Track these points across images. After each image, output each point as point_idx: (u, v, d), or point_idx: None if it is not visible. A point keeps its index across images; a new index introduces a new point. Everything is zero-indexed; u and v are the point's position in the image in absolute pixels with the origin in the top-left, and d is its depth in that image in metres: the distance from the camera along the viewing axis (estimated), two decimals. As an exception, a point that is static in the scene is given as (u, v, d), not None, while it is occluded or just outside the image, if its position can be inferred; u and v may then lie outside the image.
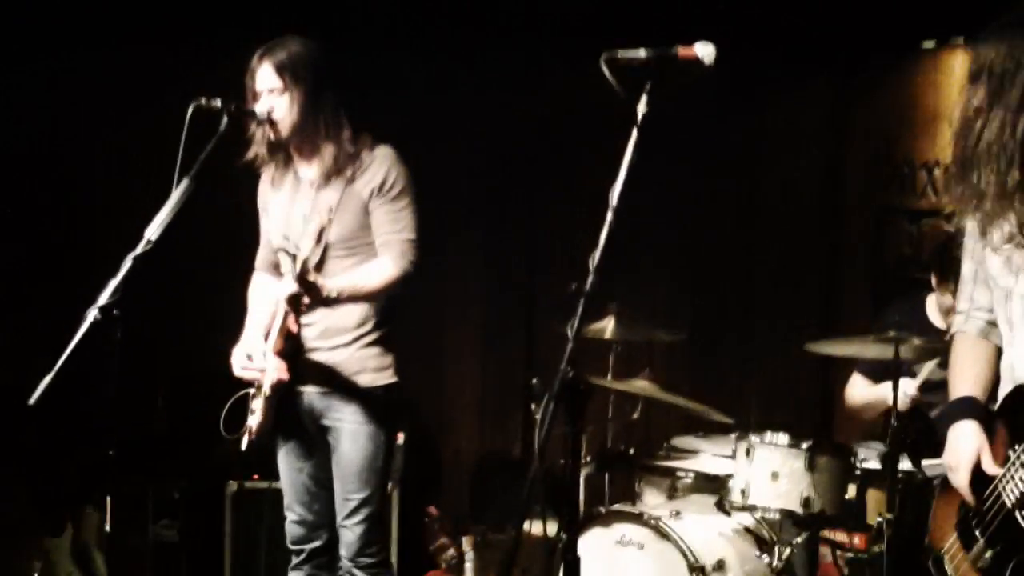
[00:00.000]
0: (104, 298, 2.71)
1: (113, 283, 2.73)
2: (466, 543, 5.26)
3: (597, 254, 2.13)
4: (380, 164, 3.29)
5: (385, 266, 3.26)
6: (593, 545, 3.67)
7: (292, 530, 3.55)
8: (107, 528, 2.89)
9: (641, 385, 3.84)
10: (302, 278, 3.03)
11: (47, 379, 2.65)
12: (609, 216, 2.13)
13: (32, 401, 2.64)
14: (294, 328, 3.27)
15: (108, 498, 2.94)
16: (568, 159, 5.28)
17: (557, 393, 2.13)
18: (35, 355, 4.85)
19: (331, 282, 3.18)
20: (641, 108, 2.15)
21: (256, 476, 5.00)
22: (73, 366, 2.69)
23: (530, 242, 5.51)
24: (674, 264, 5.17)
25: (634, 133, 2.14)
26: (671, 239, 5.06)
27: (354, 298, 3.24)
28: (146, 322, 3.17)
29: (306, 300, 3.10)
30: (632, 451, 4.10)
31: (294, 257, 3.07)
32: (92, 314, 2.71)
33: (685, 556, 3.55)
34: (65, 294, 3.26)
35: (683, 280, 5.18)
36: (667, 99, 2.14)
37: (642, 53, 2.19)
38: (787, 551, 3.70)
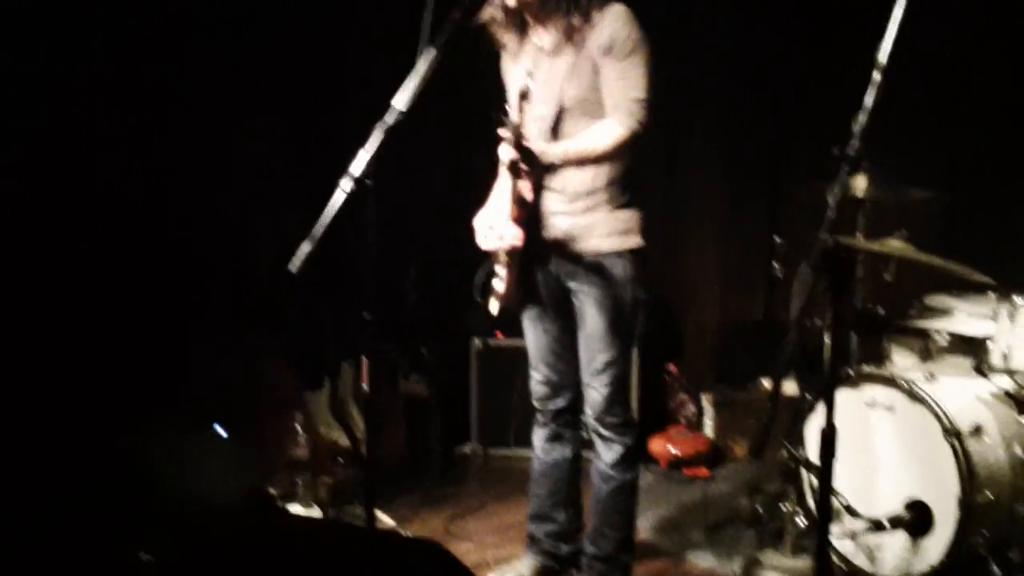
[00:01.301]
0: (357, 168, 2.77)
1: (365, 153, 2.78)
2: (706, 400, 5.29)
3: (862, 118, 2.02)
4: (610, 23, 3.22)
5: (612, 127, 3.22)
6: (841, 406, 3.58)
7: (537, 389, 3.64)
8: (364, 386, 3.00)
9: (895, 245, 3.69)
10: (517, 143, 3.04)
11: (306, 247, 2.73)
12: (876, 76, 2.01)
13: (293, 268, 2.73)
14: (527, 195, 3.29)
15: (363, 358, 3.04)
16: (822, 7, 5.02)
17: (817, 261, 2.07)
18: (296, 224, 5.12)
19: (552, 147, 3.18)
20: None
21: (500, 334, 5.15)
22: (332, 235, 2.76)
23: (776, 99, 5.31)
24: (931, 119, 4.88)
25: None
26: (928, 93, 4.77)
27: (580, 161, 3.23)
28: (397, 191, 3.24)
29: (524, 166, 3.10)
30: (883, 311, 3.96)
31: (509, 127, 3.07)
32: (346, 184, 2.77)
33: (939, 419, 3.43)
34: (321, 164, 3.36)
35: (940, 136, 4.90)
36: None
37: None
38: (1052, 416, 3.54)
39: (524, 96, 3.04)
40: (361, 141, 2.78)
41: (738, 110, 5.38)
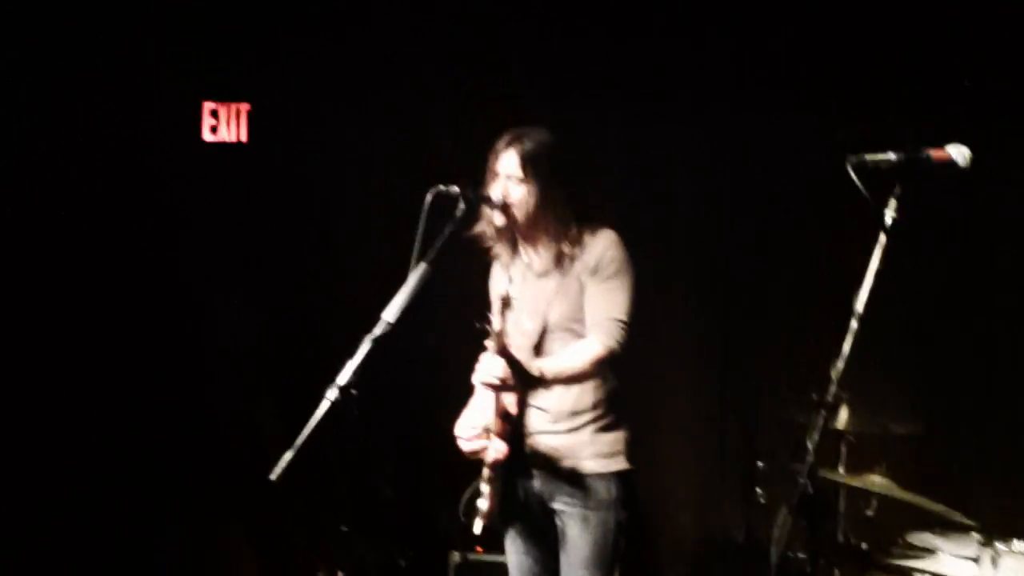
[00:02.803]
0: (343, 378, 2.78)
1: (352, 364, 2.80)
2: (687, 629, 5.15)
3: (840, 364, 2.05)
4: (597, 245, 3.30)
5: (591, 345, 3.23)
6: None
7: (517, 611, 3.55)
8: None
9: (877, 480, 3.68)
10: (500, 351, 3.04)
11: (288, 455, 2.72)
12: (853, 324, 2.05)
13: (274, 476, 2.72)
14: (512, 409, 3.28)
15: (340, 572, 2.99)
16: (794, 244, 5.14)
17: (796, 507, 2.06)
18: (276, 433, 5.10)
19: (534, 362, 3.18)
20: (890, 213, 2.08)
21: (480, 548, 5.05)
22: (312, 444, 2.75)
23: (755, 323, 5.37)
24: (909, 354, 4.94)
25: (882, 239, 2.06)
26: (905, 328, 4.85)
27: (559, 378, 3.22)
28: (377, 398, 3.24)
29: (505, 376, 3.08)
30: (865, 547, 3.91)
31: (493, 333, 3.08)
32: (331, 394, 2.78)
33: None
34: (304, 374, 3.38)
35: (918, 371, 4.95)
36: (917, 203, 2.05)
37: (892, 156, 2.11)
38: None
39: (506, 304, 3.07)
40: (341, 341, 2.81)
41: (718, 326, 5.42)
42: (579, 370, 3.23)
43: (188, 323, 5.00)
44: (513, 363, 3.07)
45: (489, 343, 3.10)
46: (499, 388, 3.15)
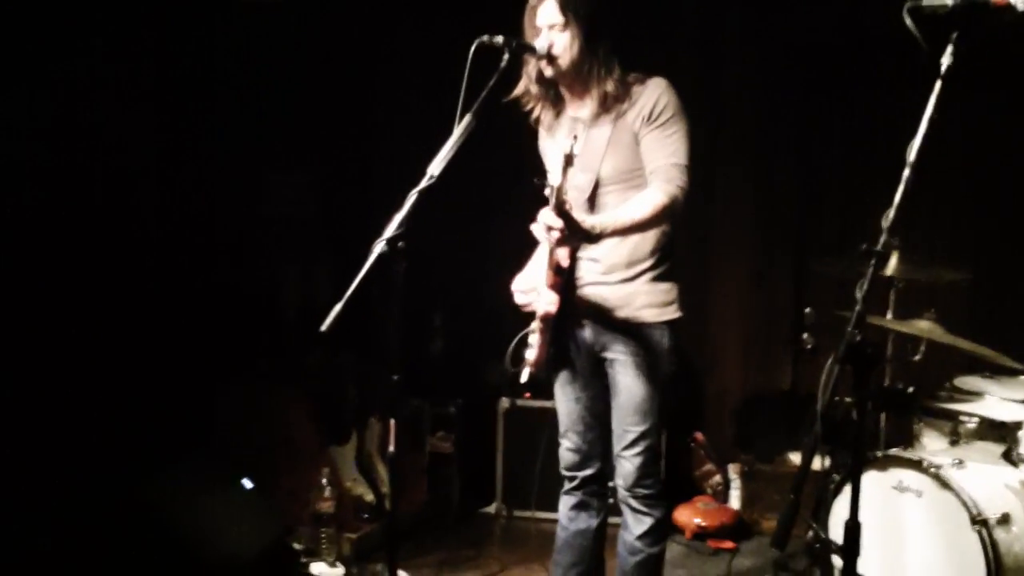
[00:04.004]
0: (390, 231, 2.79)
1: (398, 216, 2.80)
2: (732, 470, 5.25)
3: (891, 213, 2.02)
4: (651, 93, 3.24)
5: (653, 194, 3.17)
6: (868, 489, 3.57)
7: (566, 457, 3.62)
8: (390, 447, 3.00)
9: (924, 326, 3.67)
10: (559, 208, 3.01)
11: (337, 307, 2.74)
12: (907, 173, 2.02)
13: (324, 328, 2.75)
14: (564, 262, 3.26)
15: (391, 419, 3.05)
16: (847, 87, 5.04)
17: (843, 356, 2.06)
18: (327, 286, 5.17)
19: (593, 218, 3.12)
20: (946, 59, 2.02)
21: (528, 395, 5.14)
22: (362, 295, 2.78)
23: (803, 172, 5.33)
24: (960, 199, 4.88)
25: (937, 86, 2.00)
26: (957, 173, 4.78)
27: (622, 231, 3.16)
28: (428, 250, 3.26)
29: (563, 233, 3.01)
30: (912, 391, 3.93)
31: (552, 188, 3.03)
32: (379, 247, 2.79)
33: (967, 507, 3.39)
34: (356, 226, 3.39)
35: (969, 216, 4.90)
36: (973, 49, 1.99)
37: (949, 1, 2.04)
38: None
39: (569, 161, 3.01)
40: (389, 195, 2.81)
41: (766, 177, 5.39)
42: (642, 221, 3.15)
43: (238, 186, 5.02)
44: (571, 221, 3.03)
45: (549, 198, 3.07)
46: (557, 244, 3.13)
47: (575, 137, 3.01)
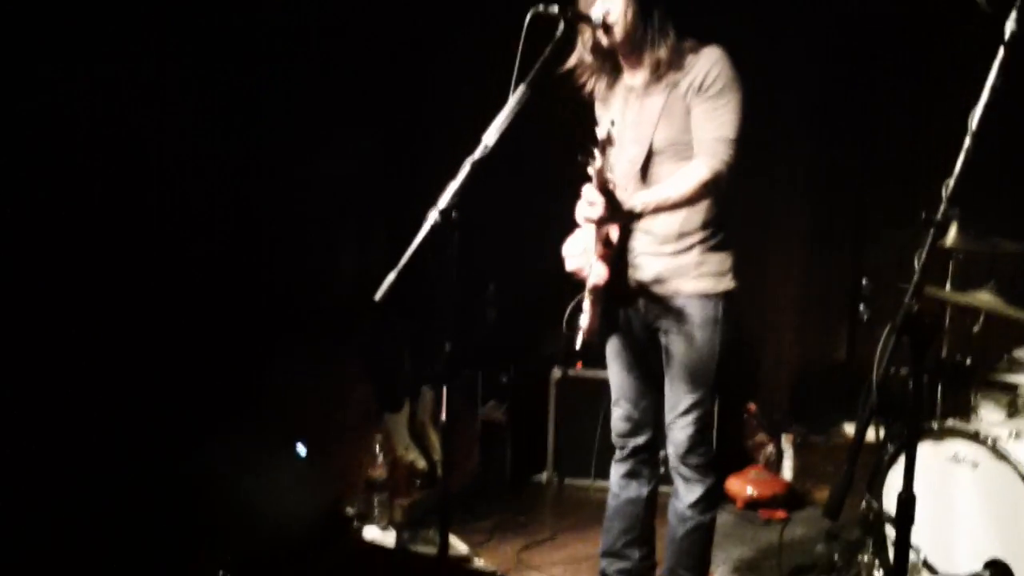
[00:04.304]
0: (444, 201, 2.79)
1: (453, 186, 2.80)
2: (785, 441, 5.23)
3: (952, 182, 2.00)
4: (704, 62, 3.21)
5: (696, 168, 3.17)
6: (924, 460, 3.54)
7: (618, 425, 3.63)
8: (442, 416, 3.02)
9: (984, 298, 3.63)
10: (601, 187, 3.01)
11: (391, 277, 2.75)
12: (968, 142, 1.98)
13: (378, 297, 2.76)
14: (613, 236, 3.27)
15: (444, 387, 3.07)
16: (907, 61, 4.97)
17: (900, 327, 2.05)
18: (378, 242, 5.18)
19: (634, 197, 3.12)
20: (1010, 26, 1.97)
21: (580, 364, 5.16)
22: (416, 264, 2.79)
23: (861, 144, 5.27)
24: (1021, 171, 4.80)
25: (1000, 52, 1.97)
26: (1020, 142, 4.69)
27: (664, 209, 3.17)
28: (481, 220, 3.26)
29: (599, 211, 3.05)
30: (970, 362, 3.90)
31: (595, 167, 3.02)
32: (433, 216, 2.80)
33: (1023, 478, 3.37)
34: (410, 196, 3.40)
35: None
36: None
37: (1014, -35, 2.00)
38: None
39: (608, 142, 3.00)
40: (443, 165, 2.81)
41: (825, 148, 5.34)
42: (684, 196, 3.16)
43: (295, 147, 5.04)
44: (612, 199, 3.03)
45: (591, 176, 3.07)
46: (600, 221, 3.13)
47: (612, 122, 3.00)
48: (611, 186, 3.00)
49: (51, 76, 3.90)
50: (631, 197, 3.12)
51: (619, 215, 3.08)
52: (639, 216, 3.12)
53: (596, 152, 2.96)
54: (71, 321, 4.06)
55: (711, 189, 3.19)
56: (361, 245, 5.24)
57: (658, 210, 3.16)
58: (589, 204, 3.03)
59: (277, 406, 4.74)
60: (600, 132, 2.93)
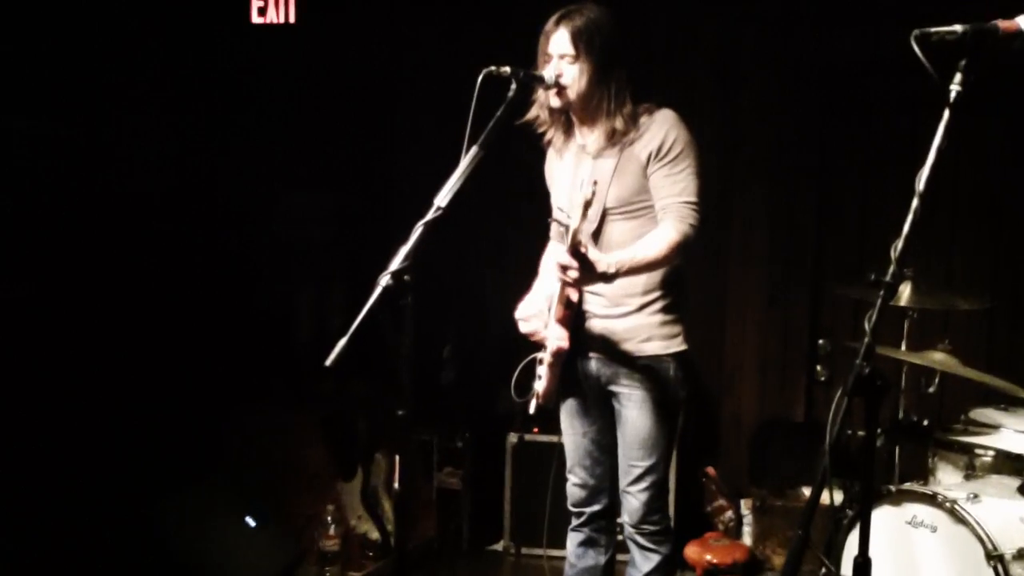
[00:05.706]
0: (396, 264, 2.75)
1: (404, 249, 2.76)
2: (744, 506, 5.18)
3: (900, 243, 1.99)
4: (659, 127, 3.20)
5: (666, 232, 3.14)
6: (882, 523, 3.52)
7: (573, 492, 3.57)
8: (395, 484, 2.95)
9: (938, 358, 3.63)
10: (574, 250, 2.98)
11: (343, 341, 2.70)
12: (915, 203, 1.98)
13: (329, 362, 2.71)
14: (574, 297, 3.25)
15: (397, 455, 3.01)
16: (865, 111, 5.02)
17: (851, 388, 2.02)
18: (333, 319, 5.14)
19: (608, 257, 3.06)
20: (954, 88, 1.98)
21: (536, 429, 5.10)
22: (369, 328, 2.74)
23: (819, 198, 5.29)
24: (974, 228, 4.84)
25: (946, 114, 1.97)
26: (972, 201, 4.74)
27: (637, 271, 3.12)
28: (434, 283, 3.23)
29: (574, 274, 2.98)
30: (926, 423, 3.88)
31: (567, 228, 3.01)
32: (384, 279, 2.75)
33: (982, 542, 3.33)
34: (370, 259, 3.36)
35: (984, 245, 4.85)
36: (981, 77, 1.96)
37: (958, 29, 2.00)
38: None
39: (588, 205, 2.97)
40: (406, 227, 2.77)
41: (783, 200, 5.35)
42: (656, 259, 3.12)
43: (254, 208, 5.01)
44: (586, 261, 2.98)
45: (562, 238, 3.03)
46: (573, 284, 3.09)
47: (595, 182, 2.97)
48: (584, 249, 2.96)
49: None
50: (603, 258, 3.07)
51: (593, 277, 3.04)
52: (613, 278, 3.08)
53: (575, 213, 2.93)
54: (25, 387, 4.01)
55: (681, 252, 3.16)
56: (322, 301, 5.19)
57: (631, 272, 3.10)
58: (562, 267, 2.98)
59: (233, 464, 4.66)
60: (585, 192, 2.90)
